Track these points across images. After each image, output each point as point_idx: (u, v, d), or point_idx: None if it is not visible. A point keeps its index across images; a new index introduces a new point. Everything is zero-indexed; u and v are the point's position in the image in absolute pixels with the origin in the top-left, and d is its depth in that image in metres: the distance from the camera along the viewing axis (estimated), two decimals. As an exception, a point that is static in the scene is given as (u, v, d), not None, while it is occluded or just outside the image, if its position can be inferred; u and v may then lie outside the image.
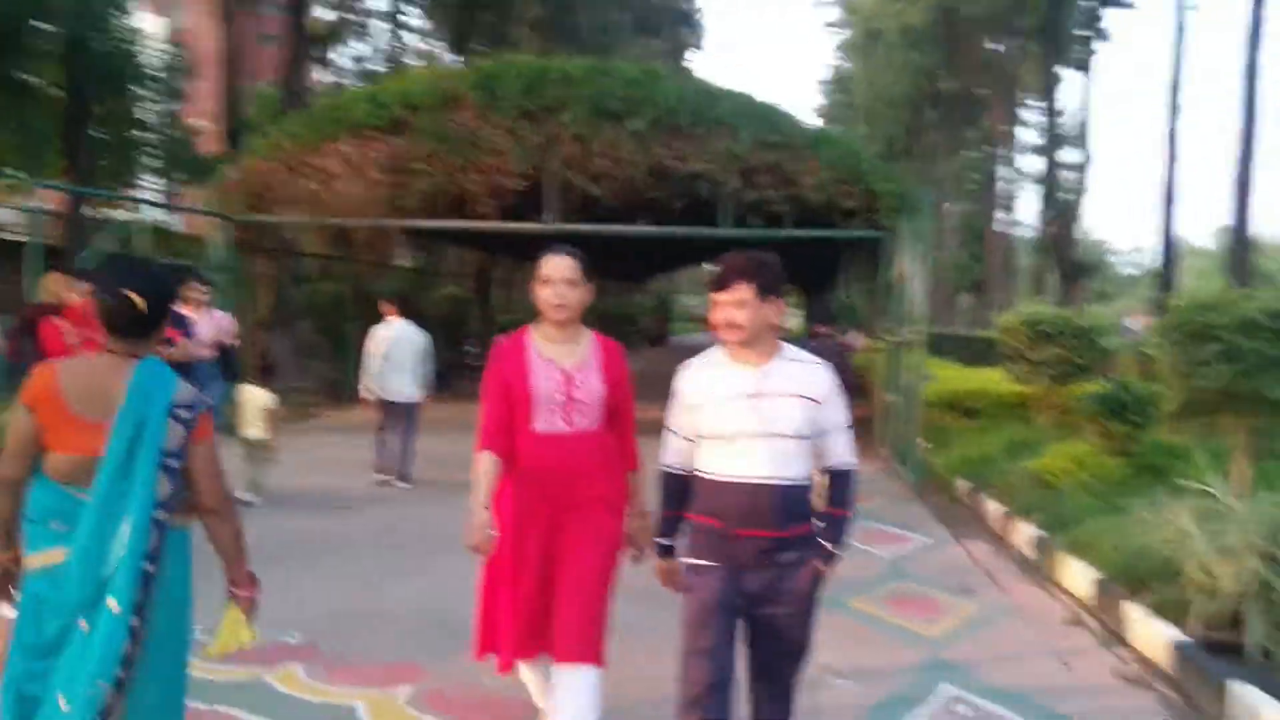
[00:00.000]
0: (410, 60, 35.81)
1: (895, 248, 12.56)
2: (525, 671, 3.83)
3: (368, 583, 6.20)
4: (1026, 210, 47.57)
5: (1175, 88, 24.57)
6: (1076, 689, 4.79)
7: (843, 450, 3.26)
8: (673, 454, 3.31)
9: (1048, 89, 36.73)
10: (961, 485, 9.86)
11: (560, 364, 3.51)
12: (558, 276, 3.48)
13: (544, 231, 13.84)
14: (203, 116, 24.21)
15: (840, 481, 3.28)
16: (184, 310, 8.48)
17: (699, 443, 3.21)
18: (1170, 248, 24.80)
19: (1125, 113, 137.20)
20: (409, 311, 10.37)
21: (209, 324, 8.97)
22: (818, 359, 3.29)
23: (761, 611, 3.18)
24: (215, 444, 2.97)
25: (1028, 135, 49.63)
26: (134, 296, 2.83)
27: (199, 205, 14.09)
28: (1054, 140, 37.04)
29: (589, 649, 3.42)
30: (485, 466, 3.42)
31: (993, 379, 14.42)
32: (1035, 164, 44.48)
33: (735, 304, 3.10)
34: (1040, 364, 10.90)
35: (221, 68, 21.68)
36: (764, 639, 3.23)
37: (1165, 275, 24.17)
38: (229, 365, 9.69)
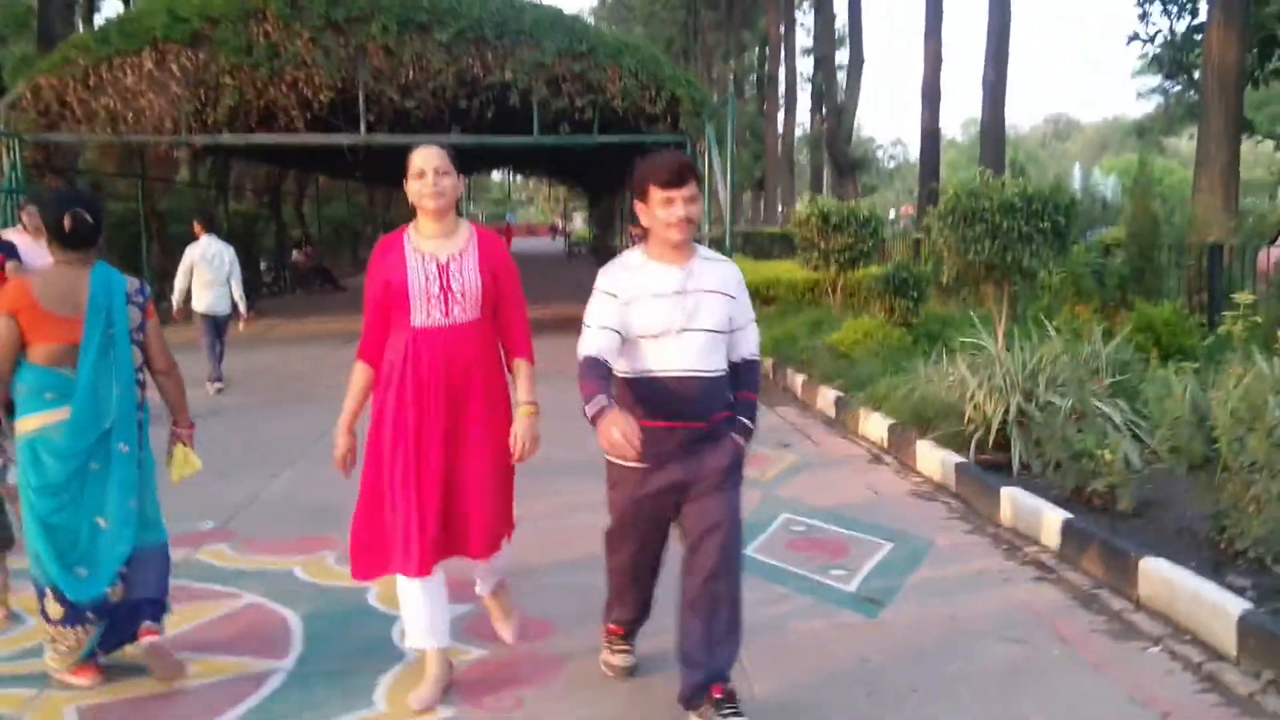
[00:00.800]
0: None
1: (695, 150, 13.46)
2: (415, 589, 3.47)
3: (250, 479, 6.64)
4: (804, 110, 49.66)
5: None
6: (883, 506, 5.90)
7: (752, 342, 3.42)
8: (594, 345, 3.19)
9: (818, -9, 38.22)
10: (767, 362, 10.98)
11: (436, 256, 3.46)
12: (429, 167, 3.42)
13: (355, 143, 14.00)
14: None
15: (751, 369, 3.42)
16: (16, 235, 8.32)
17: (625, 343, 3.23)
18: (934, 143, 26.80)
19: (888, 11, 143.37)
20: (216, 228, 10.70)
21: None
22: (724, 258, 3.45)
23: (689, 495, 3.27)
24: (158, 320, 3.81)
25: (805, 39, 51.58)
26: (85, 214, 3.59)
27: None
28: (826, 42, 38.75)
29: (489, 546, 3.53)
30: (355, 379, 3.54)
31: (786, 269, 15.68)
32: (811, 65, 46.42)
33: (689, 199, 3.17)
34: (830, 252, 12.12)
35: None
36: (694, 519, 3.28)
37: (930, 169, 26.16)
38: None
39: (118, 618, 3.64)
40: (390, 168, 31.79)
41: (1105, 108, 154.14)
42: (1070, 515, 4.97)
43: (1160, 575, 4.17)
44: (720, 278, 3.30)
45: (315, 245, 27.02)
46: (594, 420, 2.96)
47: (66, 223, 3.57)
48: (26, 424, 3.54)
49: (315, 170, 28.09)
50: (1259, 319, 6.31)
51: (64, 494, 3.51)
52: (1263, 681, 3.48)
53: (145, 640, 3.64)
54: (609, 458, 3.24)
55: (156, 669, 3.62)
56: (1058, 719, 3.31)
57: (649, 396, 3.22)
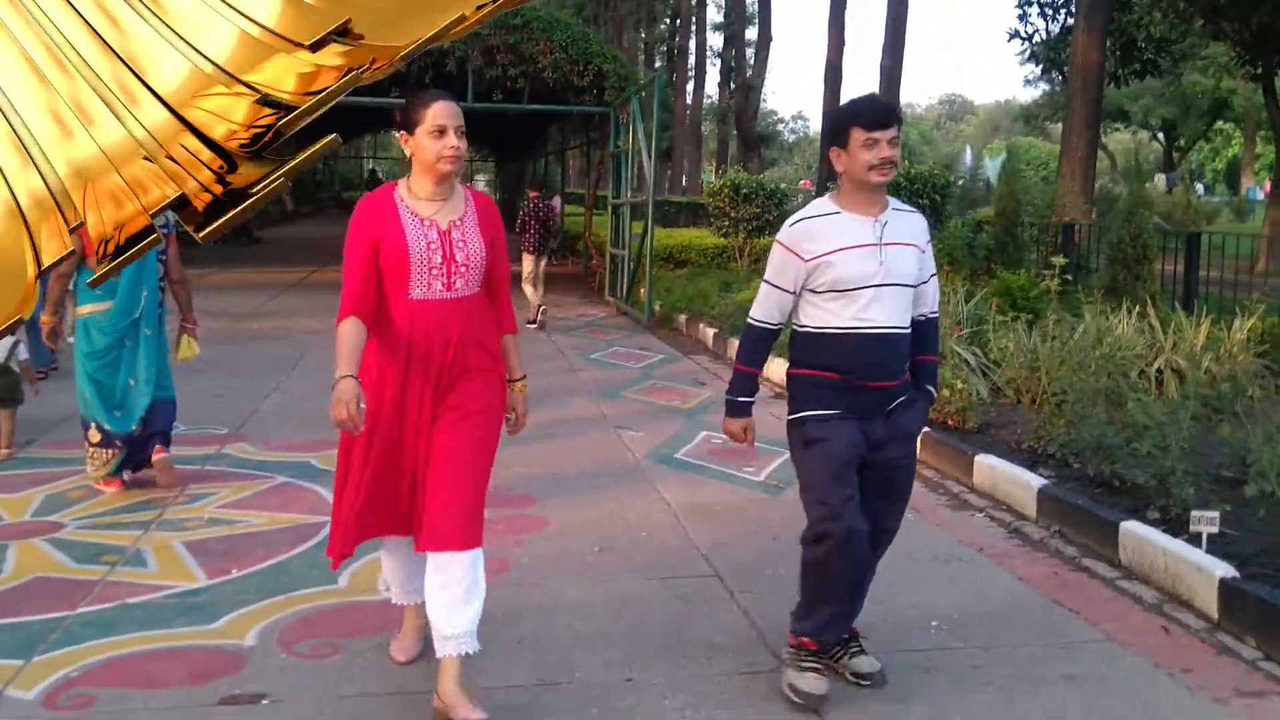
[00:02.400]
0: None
1: (620, 122, 14.61)
2: (386, 561, 3.50)
3: (243, 399, 7.67)
4: (712, 83, 51.20)
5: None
6: (782, 428, 7.15)
7: (934, 297, 3.33)
8: (771, 309, 3.19)
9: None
10: (681, 319, 12.27)
11: (436, 222, 3.11)
12: (453, 124, 3.05)
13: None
14: None
15: (933, 326, 3.35)
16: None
17: (811, 297, 3.15)
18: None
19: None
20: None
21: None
22: (912, 208, 3.38)
23: (879, 457, 3.18)
24: (177, 244, 5.38)
25: (715, 14, 52.87)
26: None
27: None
28: (737, 20, 40.10)
29: (469, 535, 3.09)
30: (347, 332, 3.00)
31: (697, 235, 17.00)
32: (720, 40, 47.68)
33: (892, 141, 3.07)
34: (740, 220, 13.46)
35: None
36: (879, 484, 3.22)
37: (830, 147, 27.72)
38: None
39: (136, 448, 5.27)
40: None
41: (998, 90, 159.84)
42: (928, 429, 6.36)
43: (988, 465, 5.58)
44: (913, 229, 3.25)
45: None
46: (729, 406, 3.34)
47: None
48: (83, 310, 5.08)
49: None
50: (1069, 278, 7.80)
51: (106, 358, 5.14)
52: (1051, 531, 4.91)
53: (156, 457, 5.23)
54: (807, 414, 3.21)
55: (162, 479, 5.23)
56: (909, 554, 4.64)
57: (846, 353, 3.12)
